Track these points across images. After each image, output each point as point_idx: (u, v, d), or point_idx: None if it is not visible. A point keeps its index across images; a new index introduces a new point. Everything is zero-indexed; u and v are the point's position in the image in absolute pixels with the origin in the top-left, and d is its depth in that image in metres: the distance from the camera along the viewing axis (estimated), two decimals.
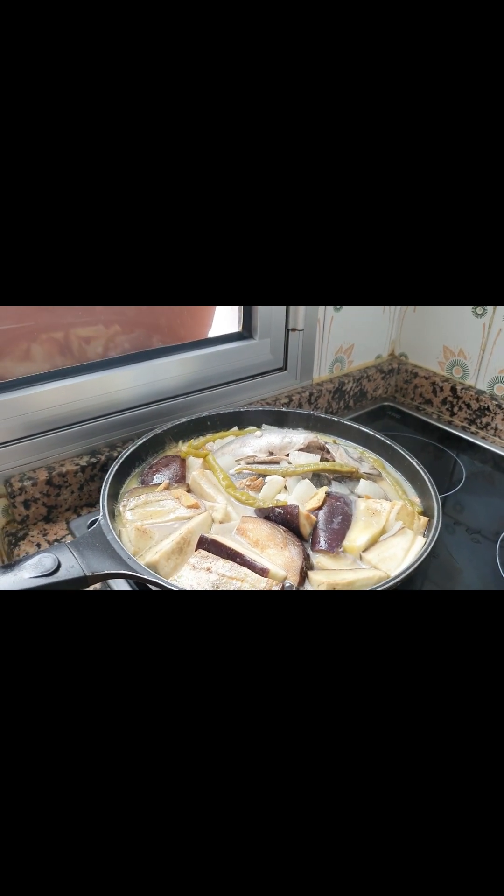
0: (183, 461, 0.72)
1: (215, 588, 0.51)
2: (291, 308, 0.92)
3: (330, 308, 0.98)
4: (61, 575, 0.48)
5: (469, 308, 1.01)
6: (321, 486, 0.68)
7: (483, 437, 1.01)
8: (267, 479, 0.67)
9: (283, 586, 0.52)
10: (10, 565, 0.48)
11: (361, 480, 0.69)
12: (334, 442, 0.79)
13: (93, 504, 0.77)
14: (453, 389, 1.06)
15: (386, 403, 1.14)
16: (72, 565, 0.49)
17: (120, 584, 0.63)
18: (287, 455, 0.72)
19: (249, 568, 0.54)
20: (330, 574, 0.55)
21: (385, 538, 0.60)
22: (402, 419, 1.09)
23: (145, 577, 0.50)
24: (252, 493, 0.66)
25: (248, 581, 0.52)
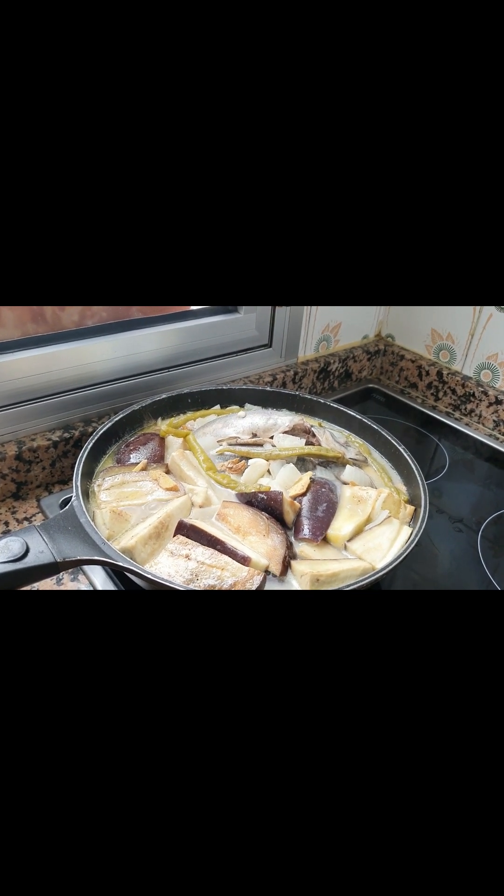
0: (161, 440, 0.68)
1: (194, 576, 0.49)
2: None
3: None
4: (30, 561, 0.45)
5: None
6: (306, 470, 0.66)
7: (467, 424, 1.00)
8: (250, 462, 0.65)
9: (264, 576, 0.50)
10: None
11: (347, 466, 0.67)
12: (320, 425, 0.76)
13: (65, 481, 0.73)
14: (439, 374, 1.05)
15: (371, 385, 1.12)
16: (41, 550, 0.46)
17: (95, 570, 0.60)
18: (271, 437, 0.70)
19: (230, 556, 0.51)
20: (313, 564, 0.53)
21: (370, 527, 0.59)
22: (387, 402, 1.07)
23: (120, 563, 0.47)
24: (234, 477, 0.63)
25: (229, 570, 0.50)
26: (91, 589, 0.58)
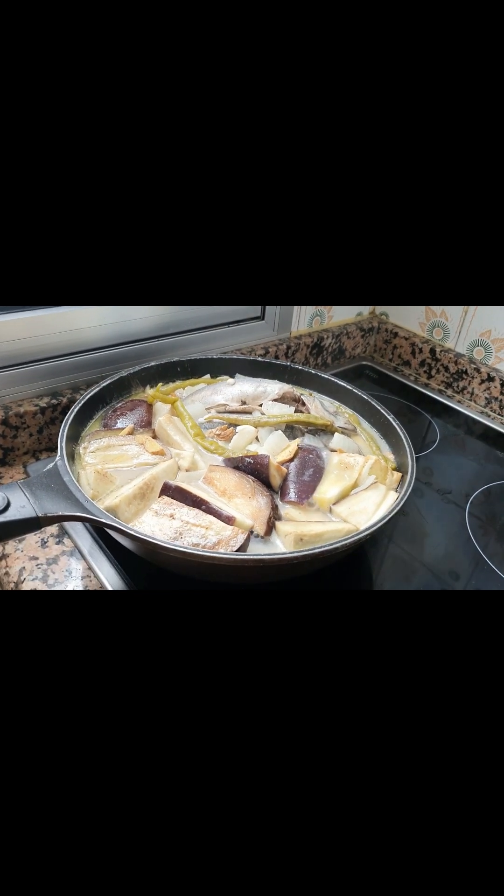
0: (149, 406, 0.68)
1: (178, 534, 0.49)
2: None
3: None
4: (10, 514, 0.45)
5: None
6: (294, 438, 0.65)
7: (459, 401, 1.00)
8: (238, 428, 0.64)
9: (248, 535, 0.50)
10: None
11: (336, 434, 0.67)
12: (310, 394, 0.76)
13: (52, 449, 0.73)
14: (432, 351, 1.04)
15: (364, 363, 1.11)
16: (23, 505, 0.46)
17: (78, 531, 0.60)
18: (260, 405, 0.69)
19: (215, 516, 0.51)
20: (298, 525, 0.53)
21: (357, 492, 0.58)
22: (380, 379, 1.07)
23: (103, 520, 0.47)
24: (221, 443, 0.63)
25: (213, 528, 0.49)
26: (75, 550, 0.58)
